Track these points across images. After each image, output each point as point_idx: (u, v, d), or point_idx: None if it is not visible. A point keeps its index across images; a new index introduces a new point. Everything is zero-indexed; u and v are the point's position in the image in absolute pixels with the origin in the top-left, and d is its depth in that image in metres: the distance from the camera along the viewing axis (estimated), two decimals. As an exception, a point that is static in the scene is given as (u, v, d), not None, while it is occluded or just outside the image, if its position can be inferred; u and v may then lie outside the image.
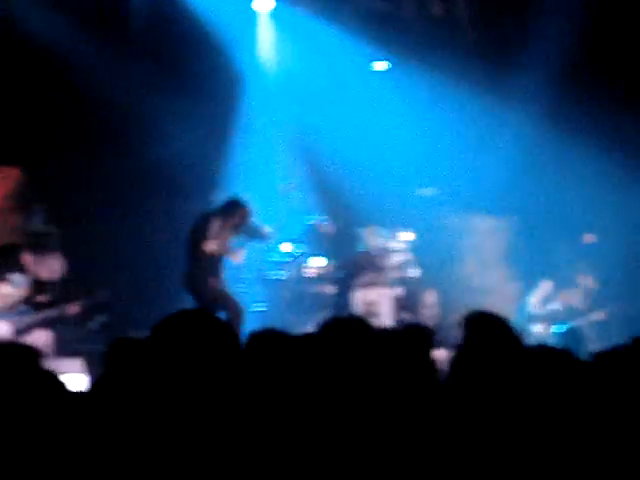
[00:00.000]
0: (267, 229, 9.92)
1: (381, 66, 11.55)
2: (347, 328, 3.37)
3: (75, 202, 9.67)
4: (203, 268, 8.53)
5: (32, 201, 9.75)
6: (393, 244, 10.59)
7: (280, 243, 10.09)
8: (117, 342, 4.55)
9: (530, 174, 11.14)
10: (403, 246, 10.62)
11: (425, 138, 11.34)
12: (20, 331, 7.97)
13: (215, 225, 8.59)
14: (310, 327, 9.15)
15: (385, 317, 10.08)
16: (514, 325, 3.98)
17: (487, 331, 3.87)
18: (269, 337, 4.05)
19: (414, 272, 10.65)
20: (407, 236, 10.70)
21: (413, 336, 4.70)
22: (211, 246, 8.53)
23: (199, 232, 8.61)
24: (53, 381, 3.60)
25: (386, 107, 11.41)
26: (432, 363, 4.69)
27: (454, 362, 3.90)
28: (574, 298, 10.74)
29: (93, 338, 9.92)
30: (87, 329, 10.05)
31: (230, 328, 2.92)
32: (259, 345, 4.13)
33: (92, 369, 7.76)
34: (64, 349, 8.72)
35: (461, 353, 3.87)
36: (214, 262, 8.61)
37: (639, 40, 10.91)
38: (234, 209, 8.79)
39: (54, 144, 10.06)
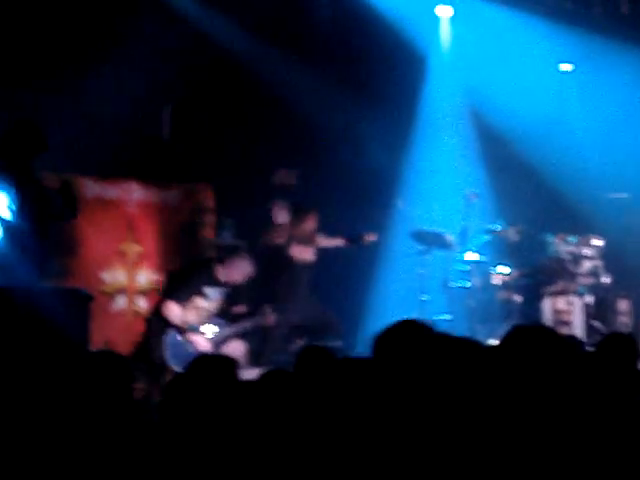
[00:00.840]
0: (450, 237, 9.88)
1: (567, 67, 11.24)
2: (533, 338, 3.19)
3: (262, 216, 9.87)
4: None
5: (221, 216, 10.04)
6: (583, 250, 10.27)
7: (465, 251, 9.95)
8: (307, 350, 4.60)
9: None
10: (594, 252, 10.27)
11: (616, 141, 10.94)
12: (217, 343, 8.22)
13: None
14: (497, 337, 9.05)
15: (576, 326, 9.79)
16: None
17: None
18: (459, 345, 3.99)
19: (606, 279, 10.29)
20: (598, 242, 10.35)
21: (615, 346, 4.50)
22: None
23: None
24: (249, 391, 3.68)
25: (574, 109, 11.10)
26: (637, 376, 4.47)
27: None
28: None
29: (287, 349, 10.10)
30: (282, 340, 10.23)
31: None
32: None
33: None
34: (260, 360, 8.93)
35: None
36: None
37: None
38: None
39: (240, 161, 10.32)
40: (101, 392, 3.67)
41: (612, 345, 4.41)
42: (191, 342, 8.01)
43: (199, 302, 8.19)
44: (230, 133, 10.25)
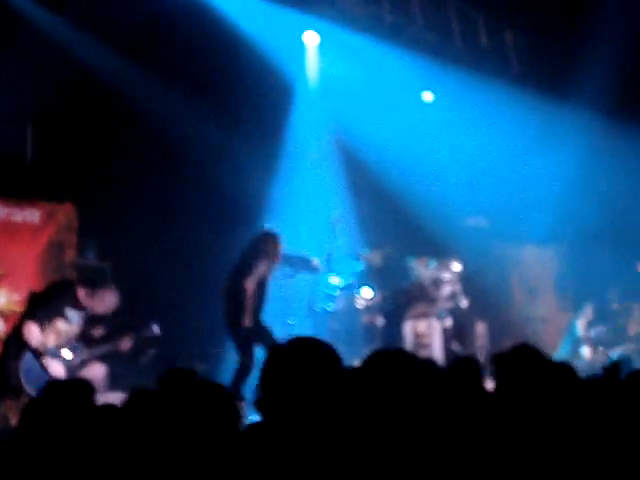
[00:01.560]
0: (316, 261, 9.96)
1: (429, 97, 11.57)
2: (391, 361, 3.31)
3: (126, 236, 9.76)
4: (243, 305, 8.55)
5: (84, 236, 9.87)
6: (443, 274, 10.54)
7: (330, 275, 10.07)
8: (170, 373, 4.57)
9: (581, 202, 11.05)
10: (453, 276, 10.56)
11: (474, 168, 11.32)
12: (75, 367, 8.05)
13: (262, 264, 8.60)
14: (360, 359, 9.17)
15: (435, 348, 10.03)
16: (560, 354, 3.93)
17: (524, 366, 3.81)
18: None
19: (464, 303, 10.59)
20: (457, 266, 10.64)
21: (462, 369, 4.67)
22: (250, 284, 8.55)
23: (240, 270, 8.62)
24: (108, 415, 3.64)
25: (434, 137, 11.41)
26: (485, 395, 4.65)
27: (496, 395, 3.86)
28: (623, 323, 10.67)
29: (145, 372, 9.98)
30: (139, 363, 10.12)
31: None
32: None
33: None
34: (117, 384, 8.79)
35: (502, 388, 3.83)
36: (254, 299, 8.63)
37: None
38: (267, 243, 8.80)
39: (105, 179, 10.18)
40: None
41: (459, 367, 4.59)
42: (46, 367, 7.82)
43: (60, 324, 8.00)
44: (95, 151, 10.11)
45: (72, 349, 8.04)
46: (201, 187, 10.51)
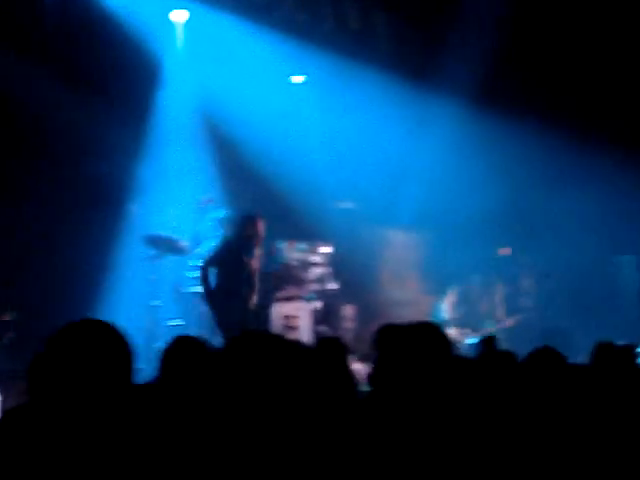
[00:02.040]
0: (183, 242, 9.83)
1: (298, 79, 11.54)
2: (256, 343, 3.29)
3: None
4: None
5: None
6: (312, 257, 10.58)
7: (198, 257, 9.92)
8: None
9: (448, 188, 11.25)
10: (322, 259, 10.62)
11: (343, 152, 11.37)
12: None
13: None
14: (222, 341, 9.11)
15: (303, 331, 10.05)
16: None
17: (402, 343, 3.84)
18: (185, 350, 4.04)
19: (332, 285, 10.66)
20: (326, 249, 10.70)
21: (327, 349, 4.68)
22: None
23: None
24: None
25: (304, 120, 11.40)
26: (350, 376, 4.67)
27: (372, 376, 3.87)
28: (486, 306, 10.95)
29: (2, 356, 9.66)
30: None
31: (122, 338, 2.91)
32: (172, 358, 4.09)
33: (4, 387, 7.53)
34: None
35: (378, 367, 3.85)
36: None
37: (554, 55, 11.12)
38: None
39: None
40: None
41: (325, 348, 4.60)
42: None
43: None
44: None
45: None
46: (69, 171, 10.23)
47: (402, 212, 11.45)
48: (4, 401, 7.34)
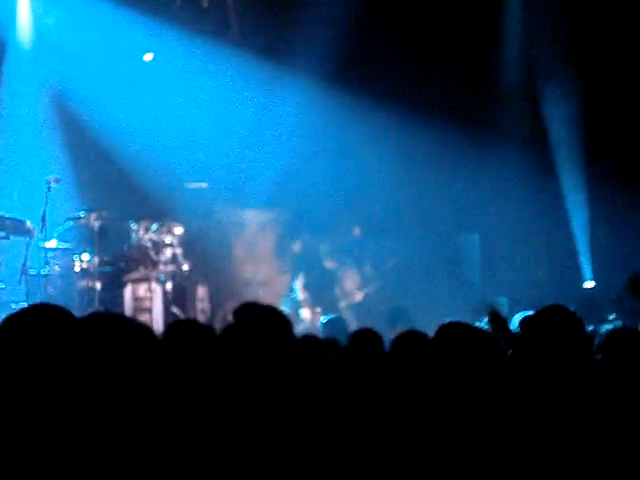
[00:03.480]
0: (29, 223, 9.56)
1: (148, 56, 11.35)
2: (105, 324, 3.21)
3: None
4: None
5: None
6: (164, 238, 10.46)
7: (45, 238, 9.65)
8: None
9: (302, 169, 11.32)
10: (174, 240, 10.51)
11: (196, 131, 11.26)
12: None
13: None
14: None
15: (156, 312, 9.95)
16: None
17: (257, 320, 3.86)
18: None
19: (185, 266, 10.57)
20: (178, 230, 10.59)
21: (179, 332, 4.64)
22: None
23: None
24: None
25: (157, 99, 11.22)
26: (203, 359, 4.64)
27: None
28: (339, 286, 11.15)
29: None
30: None
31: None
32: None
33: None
34: None
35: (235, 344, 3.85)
36: None
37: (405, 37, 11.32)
38: None
39: None
40: None
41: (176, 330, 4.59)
42: None
43: None
44: None
45: None
46: None
47: (256, 192, 11.45)
48: None
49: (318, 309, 11.07)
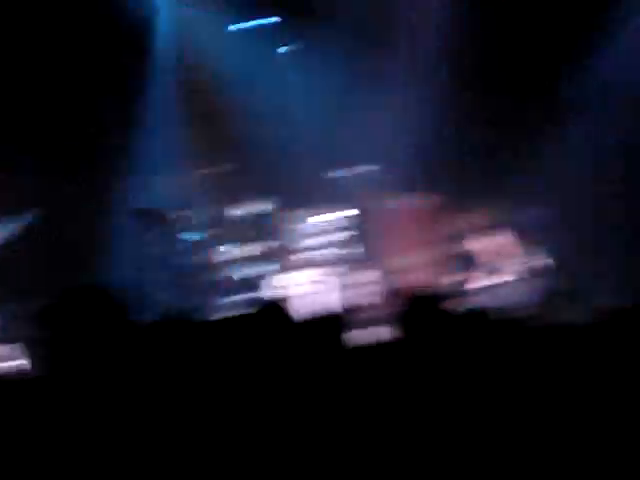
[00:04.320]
0: (173, 214, 9.77)
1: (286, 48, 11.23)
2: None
3: None
4: None
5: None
6: (319, 225, 10.32)
7: (187, 229, 9.86)
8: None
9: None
10: (339, 225, 10.30)
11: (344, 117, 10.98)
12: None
13: None
14: (219, 314, 8.95)
15: (321, 298, 9.79)
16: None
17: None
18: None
19: (344, 252, 10.34)
20: (342, 215, 10.40)
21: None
22: None
23: None
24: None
25: (310, 82, 11.06)
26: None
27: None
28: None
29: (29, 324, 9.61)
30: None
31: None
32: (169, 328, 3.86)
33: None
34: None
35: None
36: None
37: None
38: None
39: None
40: None
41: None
42: None
43: None
44: None
45: None
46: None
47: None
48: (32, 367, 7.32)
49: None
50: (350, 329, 4.58)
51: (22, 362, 7.08)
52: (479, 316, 3.91)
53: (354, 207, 10.89)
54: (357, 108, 10.90)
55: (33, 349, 3.65)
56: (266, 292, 9.68)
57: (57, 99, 10.06)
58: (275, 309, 3.40)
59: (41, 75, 9.98)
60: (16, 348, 7.69)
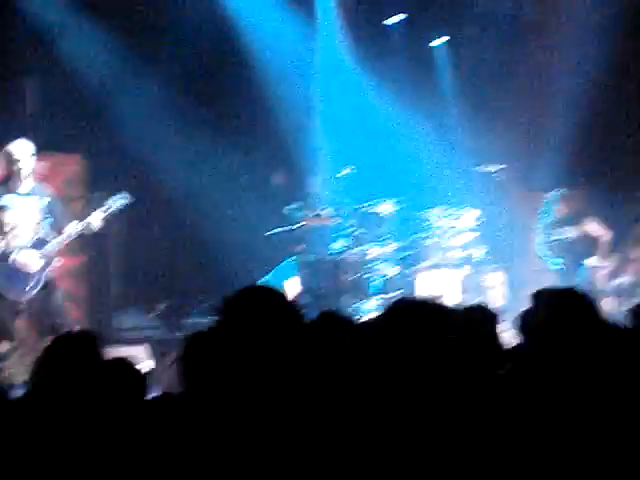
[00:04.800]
0: (325, 212, 9.90)
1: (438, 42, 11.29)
2: (415, 310, 3.21)
3: (136, 188, 9.64)
4: None
5: (93, 189, 9.75)
6: (458, 223, 10.32)
7: (341, 226, 9.94)
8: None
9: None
10: (469, 225, 10.34)
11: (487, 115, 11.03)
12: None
13: None
14: (372, 311, 9.08)
15: (450, 299, 9.84)
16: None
17: (567, 309, 3.58)
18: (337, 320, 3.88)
19: (480, 251, 10.38)
20: (472, 214, 10.41)
21: (477, 317, 4.52)
22: None
23: None
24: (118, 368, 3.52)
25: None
26: (499, 346, 4.49)
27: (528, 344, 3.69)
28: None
29: (156, 325, 9.97)
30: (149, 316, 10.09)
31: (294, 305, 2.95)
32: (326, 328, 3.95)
33: (157, 355, 7.76)
34: (128, 336, 8.75)
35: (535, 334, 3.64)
36: None
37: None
38: None
39: (114, 130, 10.07)
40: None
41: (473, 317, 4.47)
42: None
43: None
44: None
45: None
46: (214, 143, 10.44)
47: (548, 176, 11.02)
48: (155, 369, 7.57)
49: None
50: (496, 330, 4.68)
51: (149, 363, 7.26)
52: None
53: (491, 205, 10.91)
54: (500, 108, 10.95)
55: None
56: (409, 292, 9.78)
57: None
58: (420, 309, 3.26)
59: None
60: (147, 349, 7.83)
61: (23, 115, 9.78)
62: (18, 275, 7.53)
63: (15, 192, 7.66)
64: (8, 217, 7.56)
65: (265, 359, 2.85)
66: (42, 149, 9.29)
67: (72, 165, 9.73)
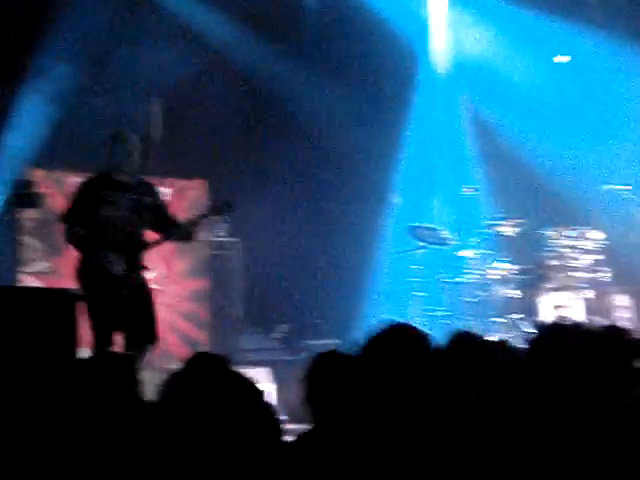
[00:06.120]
0: (446, 232, 9.81)
1: (563, 59, 11.06)
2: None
3: (254, 213, 9.78)
4: None
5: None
6: (583, 244, 10.07)
7: (461, 246, 9.83)
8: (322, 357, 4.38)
9: None
10: (593, 246, 10.08)
11: (613, 132, 10.75)
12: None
13: None
14: (493, 333, 8.94)
15: (577, 321, 9.59)
16: None
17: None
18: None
19: (606, 273, 10.09)
20: (597, 235, 10.14)
21: (611, 339, 4.36)
22: None
23: None
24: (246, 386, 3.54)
25: (571, 101, 10.88)
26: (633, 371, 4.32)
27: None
28: None
29: (276, 347, 10.06)
30: (270, 338, 10.19)
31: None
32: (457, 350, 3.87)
33: (278, 378, 7.84)
34: (249, 358, 8.85)
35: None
36: None
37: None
38: None
39: (235, 155, 10.27)
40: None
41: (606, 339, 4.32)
42: None
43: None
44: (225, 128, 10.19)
45: None
46: (327, 163, 10.52)
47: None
48: (278, 390, 7.64)
49: None
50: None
51: (270, 386, 7.36)
52: None
53: (616, 226, 10.61)
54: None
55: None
56: (531, 314, 9.60)
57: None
58: (549, 332, 3.32)
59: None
60: (267, 371, 7.92)
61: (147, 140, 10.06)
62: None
63: None
64: None
65: (402, 396, 2.98)
66: (165, 174, 9.60)
67: (195, 190, 9.93)
